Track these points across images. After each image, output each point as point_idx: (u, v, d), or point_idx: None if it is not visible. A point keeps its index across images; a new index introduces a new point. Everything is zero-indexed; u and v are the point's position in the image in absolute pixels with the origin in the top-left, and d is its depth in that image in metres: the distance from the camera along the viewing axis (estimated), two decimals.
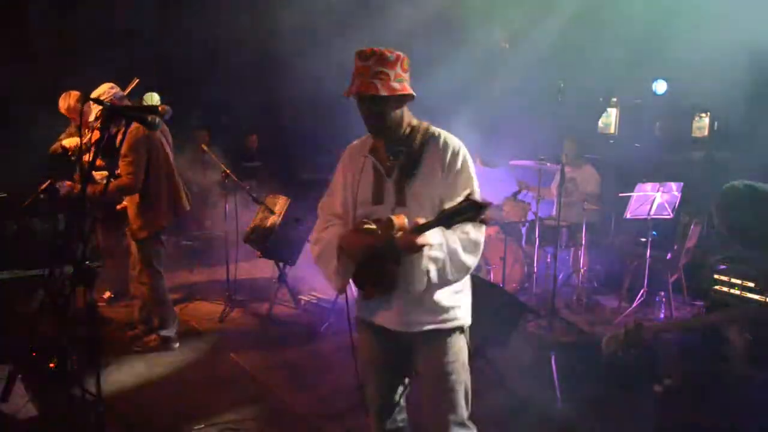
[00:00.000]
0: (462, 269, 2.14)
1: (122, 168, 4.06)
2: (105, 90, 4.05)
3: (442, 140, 2.21)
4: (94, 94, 4.00)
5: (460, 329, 2.32)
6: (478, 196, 1.93)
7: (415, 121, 2.26)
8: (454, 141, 2.22)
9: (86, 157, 4.31)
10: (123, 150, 4.04)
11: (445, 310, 2.25)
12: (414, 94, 2.18)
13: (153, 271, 4.32)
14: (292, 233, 5.21)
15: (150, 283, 4.32)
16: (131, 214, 4.23)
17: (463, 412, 2.34)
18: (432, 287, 2.13)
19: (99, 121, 4.32)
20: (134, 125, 4.08)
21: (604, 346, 2.33)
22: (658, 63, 7.08)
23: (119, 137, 3.86)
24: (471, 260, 2.15)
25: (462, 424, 2.33)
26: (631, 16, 6.38)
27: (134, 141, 4.07)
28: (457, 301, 2.29)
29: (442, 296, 2.22)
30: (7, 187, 5.31)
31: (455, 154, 2.18)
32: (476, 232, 2.13)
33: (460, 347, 2.32)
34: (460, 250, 2.10)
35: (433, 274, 2.08)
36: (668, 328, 2.59)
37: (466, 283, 2.32)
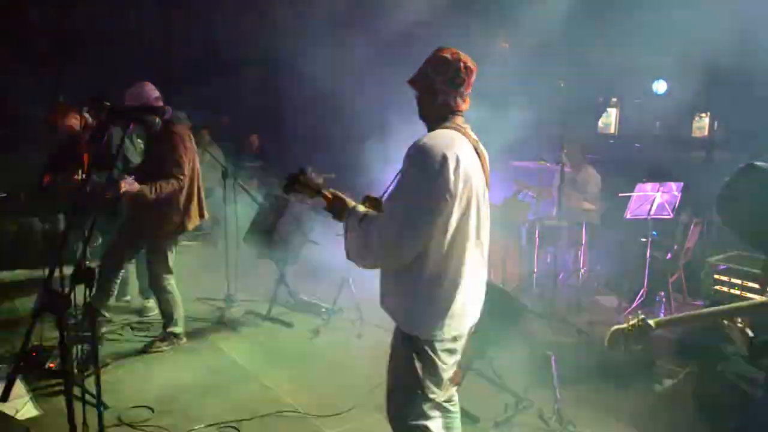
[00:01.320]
0: (359, 249, 2.18)
1: (172, 166, 4.05)
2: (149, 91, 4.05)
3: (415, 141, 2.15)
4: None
5: (407, 337, 2.20)
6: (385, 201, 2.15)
7: (438, 122, 2.22)
8: (416, 143, 2.12)
9: (77, 176, 4.31)
10: (172, 148, 4.05)
11: (390, 299, 2.26)
12: (418, 91, 2.24)
13: (169, 272, 4.33)
14: (292, 233, 5.20)
15: (169, 285, 4.33)
16: (160, 215, 4.15)
17: (402, 416, 2.25)
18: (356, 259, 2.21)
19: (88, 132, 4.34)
20: (178, 126, 4.11)
21: (607, 340, 2.31)
22: (658, 63, 7.09)
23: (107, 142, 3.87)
24: (360, 246, 2.17)
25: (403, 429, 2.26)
26: (631, 16, 6.39)
27: (182, 139, 4.09)
28: (400, 300, 2.21)
29: (386, 282, 2.25)
30: (7, 187, 5.31)
31: (405, 156, 2.13)
32: (377, 228, 2.12)
33: (400, 353, 2.23)
34: (367, 230, 2.15)
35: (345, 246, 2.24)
36: (672, 321, 2.56)
37: (417, 289, 2.15)
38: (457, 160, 2.06)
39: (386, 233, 2.08)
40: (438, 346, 2.18)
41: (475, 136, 2.26)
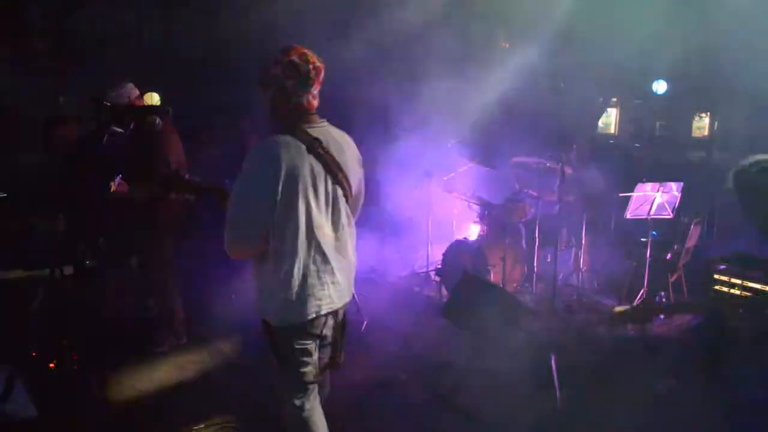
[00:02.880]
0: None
1: (160, 164, 4.02)
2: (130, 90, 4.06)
3: None
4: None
5: (263, 321, 2.48)
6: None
7: (291, 122, 2.41)
8: (256, 144, 2.38)
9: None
10: (159, 146, 4.04)
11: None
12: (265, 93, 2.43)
13: (170, 270, 4.33)
14: None
15: (169, 283, 4.34)
16: (152, 214, 4.14)
17: (282, 399, 2.55)
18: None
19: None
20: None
21: (611, 318, 2.34)
22: (658, 63, 7.09)
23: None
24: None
25: (284, 408, 2.56)
26: (632, 16, 6.38)
27: (167, 136, 4.08)
28: (256, 289, 2.53)
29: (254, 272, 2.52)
30: (7, 187, 5.31)
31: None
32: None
33: (267, 340, 2.49)
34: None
35: None
36: (676, 309, 2.59)
37: (272, 281, 2.41)
38: (279, 159, 2.27)
39: (227, 222, 2.35)
40: (283, 332, 2.44)
41: (319, 134, 2.41)
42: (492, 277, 5.46)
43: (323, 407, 2.65)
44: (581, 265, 5.92)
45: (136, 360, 4.23)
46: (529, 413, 3.59)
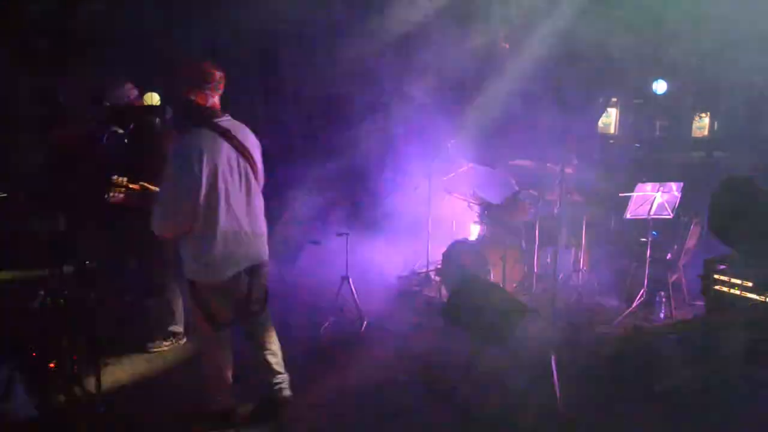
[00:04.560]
0: (152, 220, 3.01)
1: (158, 164, 4.02)
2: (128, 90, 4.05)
3: None
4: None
5: (191, 281, 3.07)
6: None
7: (206, 119, 3.00)
8: (179, 141, 3.01)
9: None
10: (155, 146, 4.01)
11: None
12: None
13: (169, 269, 4.32)
14: (292, 234, 5.21)
15: (169, 283, 4.34)
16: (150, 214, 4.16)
17: (200, 330, 3.28)
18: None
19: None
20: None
21: (605, 349, 2.35)
22: (658, 63, 7.09)
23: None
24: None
25: (200, 335, 3.36)
26: (632, 15, 6.39)
27: (165, 138, 4.07)
28: (184, 254, 3.07)
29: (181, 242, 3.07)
30: (7, 187, 5.30)
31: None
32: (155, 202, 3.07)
33: (190, 293, 3.12)
34: None
35: None
36: (667, 330, 2.60)
37: (198, 246, 2.97)
38: (201, 151, 2.85)
39: (156, 206, 2.97)
40: (204, 288, 3.05)
41: (228, 125, 3.00)
42: (492, 277, 5.46)
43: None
44: (581, 265, 5.92)
45: (136, 360, 4.23)
46: (529, 413, 3.59)
